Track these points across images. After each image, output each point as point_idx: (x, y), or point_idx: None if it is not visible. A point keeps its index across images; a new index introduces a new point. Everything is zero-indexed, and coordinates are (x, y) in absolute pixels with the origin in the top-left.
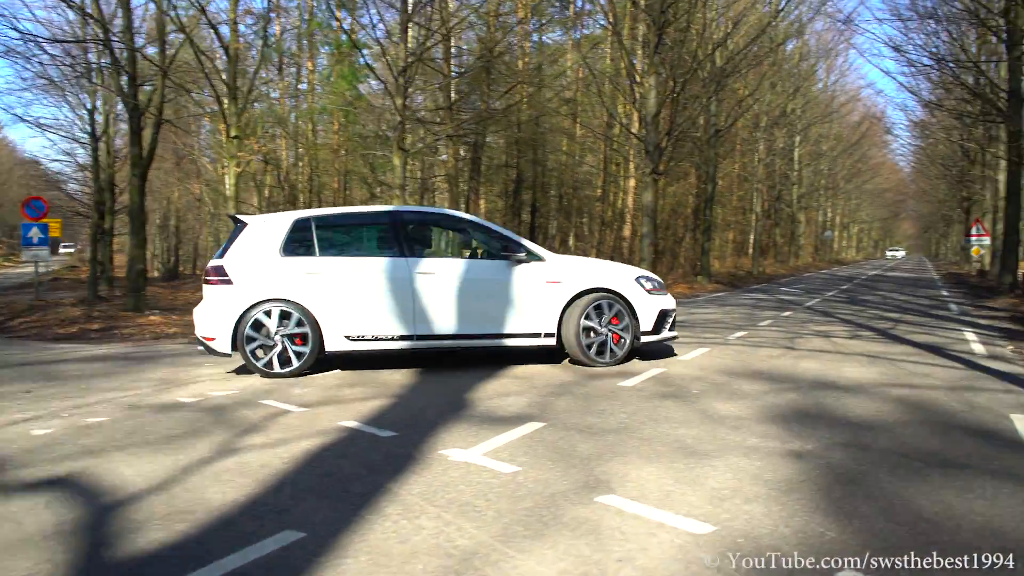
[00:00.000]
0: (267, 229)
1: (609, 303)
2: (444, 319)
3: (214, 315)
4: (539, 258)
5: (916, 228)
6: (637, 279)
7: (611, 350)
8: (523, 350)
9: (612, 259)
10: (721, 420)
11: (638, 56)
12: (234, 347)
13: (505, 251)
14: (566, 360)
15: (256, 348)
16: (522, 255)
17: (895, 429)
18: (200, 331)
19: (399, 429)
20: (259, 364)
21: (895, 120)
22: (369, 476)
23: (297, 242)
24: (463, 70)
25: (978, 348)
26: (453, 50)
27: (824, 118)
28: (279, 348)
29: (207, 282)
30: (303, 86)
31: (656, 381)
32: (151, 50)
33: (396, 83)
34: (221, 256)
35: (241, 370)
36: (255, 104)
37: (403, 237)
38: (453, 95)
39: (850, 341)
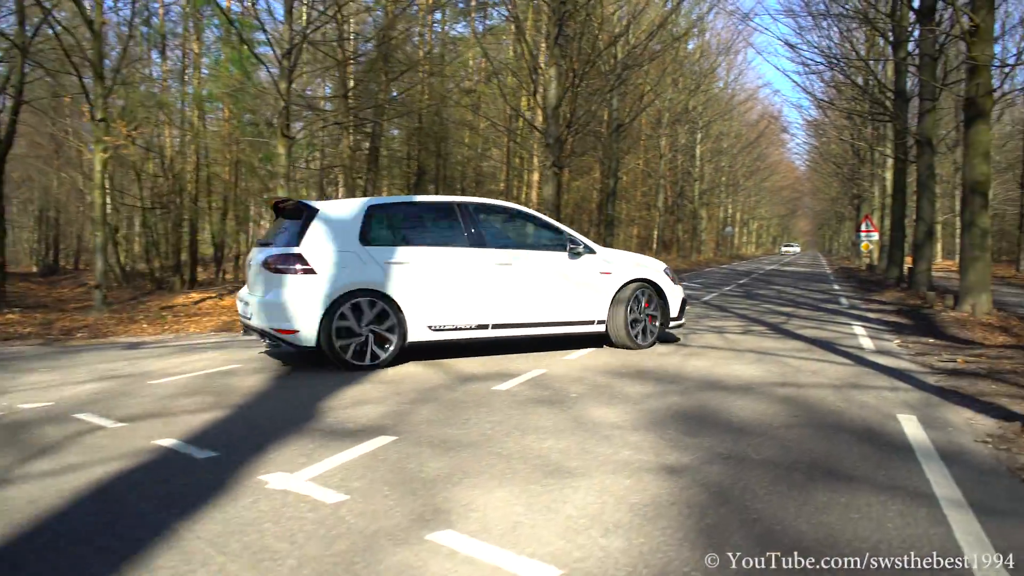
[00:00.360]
0: (340, 216)
1: (647, 292)
2: (517, 308)
3: (296, 307)
4: (592, 251)
5: (811, 224)
6: (664, 270)
7: (650, 332)
8: (574, 337)
9: None
10: (595, 429)
11: (541, 48)
12: (317, 341)
13: (563, 244)
14: (432, 360)
15: (344, 341)
16: (580, 248)
17: (780, 434)
18: (272, 324)
19: (222, 448)
20: (347, 357)
21: (791, 120)
22: (156, 513)
23: (373, 231)
24: (356, 54)
25: (866, 343)
26: (350, 36)
27: (724, 115)
28: (364, 340)
29: (279, 271)
30: (192, 70)
31: (534, 384)
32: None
33: (281, 65)
34: (293, 243)
35: (66, 381)
36: (139, 87)
37: (473, 228)
38: (351, 83)
39: (743, 337)
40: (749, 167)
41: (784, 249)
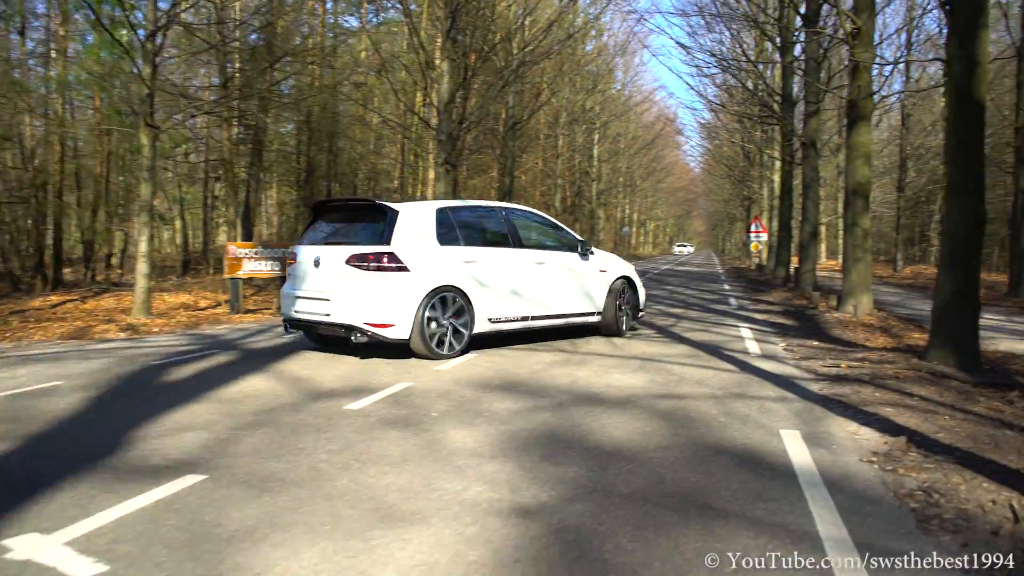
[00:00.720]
0: (418, 218)
1: (626, 287)
2: (547, 302)
3: (394, 301)
4: (592, 252)
5: (706, 225)
6: (634, 269)
7: (628, 321)
8: (577, 326)
9: None
10: (449, 457)
11: (436, 43)
12: (410, 333)
13: (574, 246)
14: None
15: (431, 332)
16: (587, 249)
17: (655, 459)
18: (367, 318)
19: None
20: (433, 347)
21: (686, 122)
22: None
23: (444, 232)
24: (234, 39)
25: (752, 347)
26: (229, 20)
27: (620, 116)
28: (446, 332)
29: (376, 268)
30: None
31: (393, 401)
32: None
33: (144, 49)
34: (380, 242)
35: None
36: None
37: (513, 231)
38: (233, 72)
39: (630, 342)
40: (646, 168)
41: (677, 249)
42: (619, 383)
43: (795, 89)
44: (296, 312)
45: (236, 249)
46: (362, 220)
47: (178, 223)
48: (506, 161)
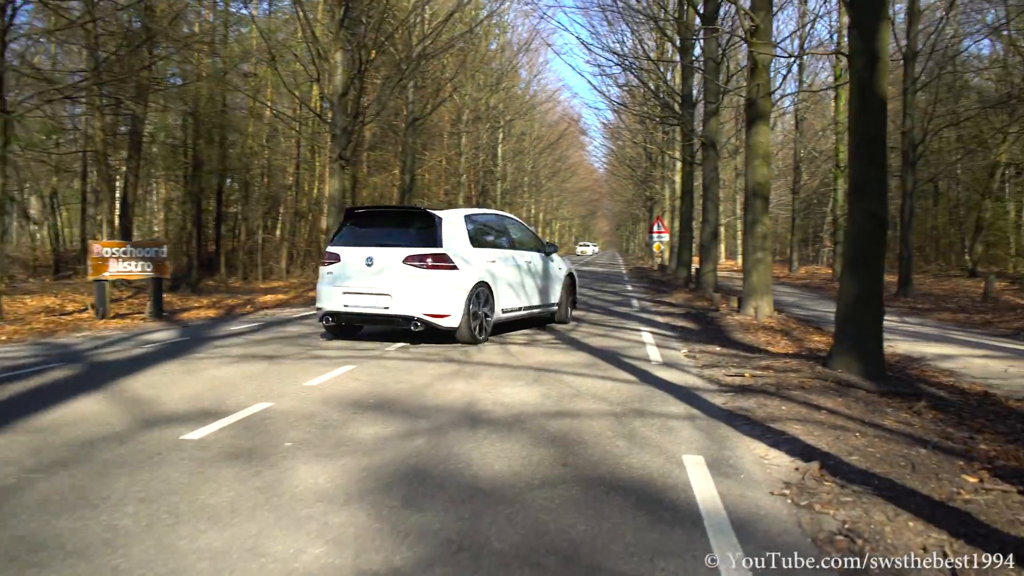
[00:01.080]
0: (454, 223)
1: (570, 282)
2: (531, 295)
3: (447, 295)
4: (554, 250)
5: (610, 225)
6: (572, 265)
7: (571, 312)
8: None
9: (308, 253)
10: (291, 504)
11: (331, 33)
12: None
13: (542, 247)
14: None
15: (472, 322)
16: (551, 250)
17: (538, 500)
18: (426, 310)
19: None
20: (475, 334)
21: (590, 122)
22: None
23: (473, 235)
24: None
25: (654, 353)
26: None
27: (524, 114)
28: (480, 321)
29: (432, 267)
30: None
31: (244, 427)
32: None
33: None
34: (432, 245)
35: None
36: None
37: (511, 235)
38: (109, 57)
39: (527, 349)
40: (551, 168)
41: (581, 249)
42: (509, 399)
43: (695, 91)
44: (346, 306)
45: (101, 249)
46: (408, 225)
47: (59, 219)
48: (406, 158)
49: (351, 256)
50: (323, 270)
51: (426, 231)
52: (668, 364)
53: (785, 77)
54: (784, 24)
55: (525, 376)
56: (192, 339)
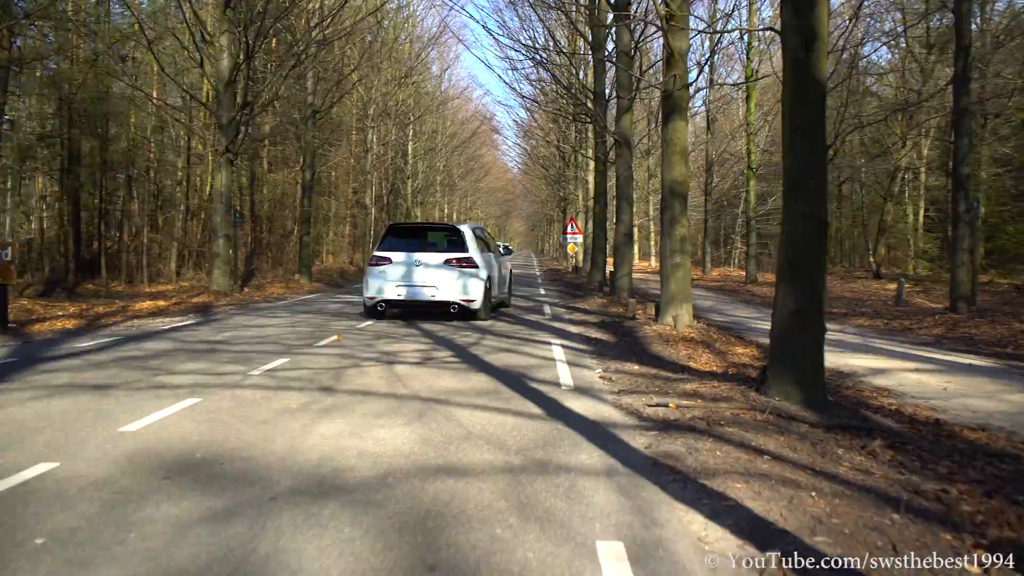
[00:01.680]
0: (469, 233)
1: (510, 276)
2: (500, 287)
3: (474, 287)
4: (508, 252)
5: (525, 226)
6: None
7: (510, 299)
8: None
9: (201, 254)
10: None
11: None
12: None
13: (499, 249)
14: None
15: (487, 304)
16: (503, 250)
17: None
18: (461, 296)
19: None
20: (488, 314)
21: (503, 121)
22: None
23: (478, 242)
24: None
25: (565, 374)
26: None
27: (433, 110)
28: (489, 305)
29: (465, 266)
30: None
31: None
32: None
33: None
34: (462, 251)
35: None
36: None
37: (489, 240)
38: None
39: (417, 370)
40: (464, 167)
41: None
42: (381, 446)
43: (608, 88)
44: (399, 295)
45: None
46: (441, 236)
47: None
48: (306, 154)
49: (401, 259)
50: (373, 269)
51: (456, 240)
52: (581, 390)
53: (700, 72)
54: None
55: (408, 409)
56: (21, 359)
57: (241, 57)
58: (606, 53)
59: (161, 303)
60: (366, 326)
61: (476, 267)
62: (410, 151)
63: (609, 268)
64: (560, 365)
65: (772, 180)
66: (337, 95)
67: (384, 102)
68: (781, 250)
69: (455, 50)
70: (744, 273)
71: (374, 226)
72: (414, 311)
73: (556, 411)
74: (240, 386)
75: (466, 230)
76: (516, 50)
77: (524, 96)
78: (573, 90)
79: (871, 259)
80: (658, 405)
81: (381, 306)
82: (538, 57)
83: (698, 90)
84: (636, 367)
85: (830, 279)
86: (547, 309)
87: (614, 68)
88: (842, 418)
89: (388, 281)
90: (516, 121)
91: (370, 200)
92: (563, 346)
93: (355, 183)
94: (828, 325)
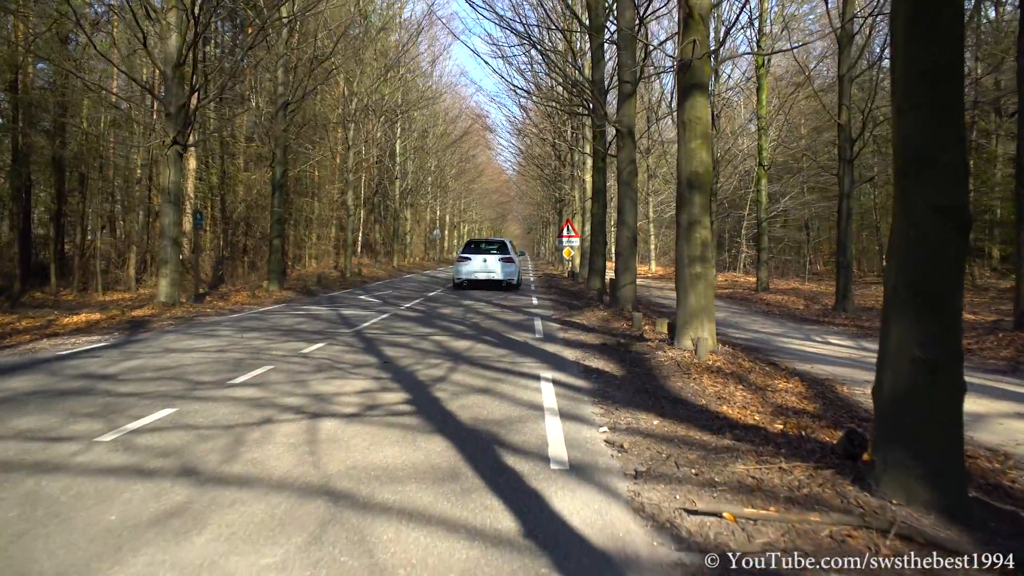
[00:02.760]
0: (508, 244)
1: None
2: (522, 274)
3: (513, 272)
4: (522, 254)
5: (522, 229)
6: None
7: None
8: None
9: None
10: None
11: None
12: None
13: (516, 254)
14: None
15: (519, 282)
16: (519, 253)
17: None
18: (507, 278)
19: None
20: (518, 287)
21: (497, 121)
22: None
23: (512, 247)
24: None
25: (556, 438)
26: None
27: (420, 106)
28: (519, 283)
29: (510, 262)
30: None
31: None
32: None
33: None
34: (507, 254)
35: None
36: None
37: (513, 245)
38: None
39: (350, 427)
40: (457, 168)
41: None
42: None
43: (607, 78)
44: (475, 276)
45: None
46: (494, 245)
47: None
48: (276, 149)
49: (475, 257)
50: (460, 263)
51: (502, 247)
52: (579, 470)
53: (725, 36)
54: None
55: (304, 520)
56: None
57: (190, 36)
58: (606, 36)
59: (96, 316)
60: (313, 350)
61: (513, 262)
62: (398, 149)
63: (609, 274)
64: (550, 419)
65: (780, 179)
66: (310, 85)
67: (368, 96)
68: (890, 265)
69: (444, 40)
70: (754, 279)
71: (362, 228)
72: (480, 287)
73: (540, 526)
74: (62, 469)
75: (507, 242)
76: (511, 29)
77: (517, 87)
78: (569, 76)
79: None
80: (704, 513)
81: (464, 284)
82: (533, 37)
83: (722, 60)
84: (655, 421)
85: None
86: (538, 324)
87: (613, 59)
88: (998, 538)
89: (468, 269)
90: (509, 119)
91: (352, 200)
92: (555, 381)
93: (340, 183)
94: (865, 343)
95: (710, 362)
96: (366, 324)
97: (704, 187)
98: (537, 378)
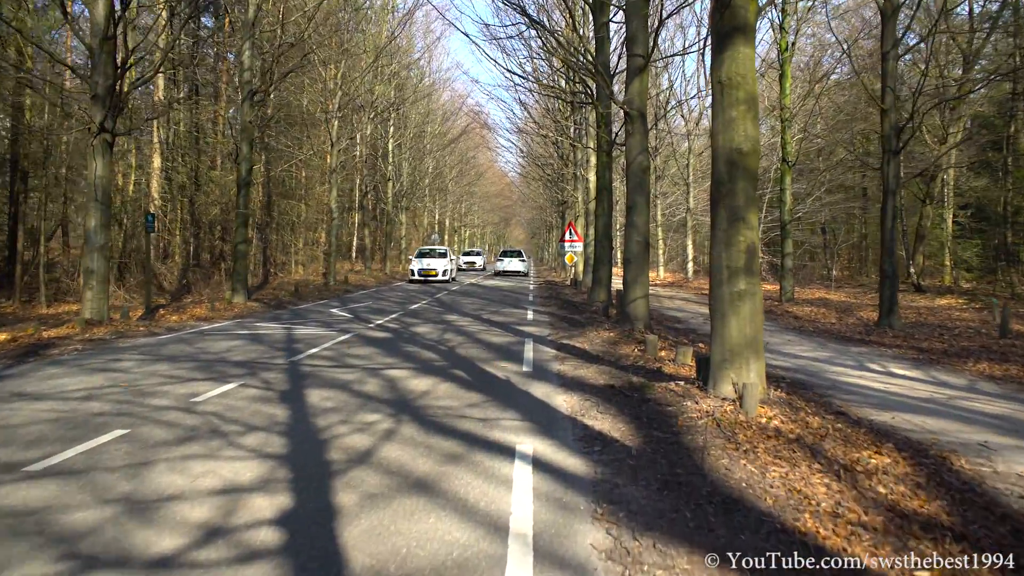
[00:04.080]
0: (523, 250)
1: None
2: (528, 269)
3: (525, 266)
4: (528, 257)
5: (525, 233)
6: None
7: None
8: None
9: (123, 266)
10: None
11: None
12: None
13: (524, 255)
14: None
15: (529, 271)
16: (525, 254)
17: None
18: (523, 270)
19: None
20: (528, 275)
21: (497, 120)
22: None
23: (524, 252)
24: None
25: None
26: None
27: (413, 103)
28: (529, 273)
29: (523, 261)
30: None
31: None
32: None
33: None
34: (521, 257)
35: None
36: None
37: (523, 249)
38: None
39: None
40: (456, 169)
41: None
42: None
43: (613, 59)
44: (505, 270)
45: None
46: (515, 251)
47: None
48: (240, 143)
49: (505, 258)
50: (497, 262)
51: (520, 254)
52: None
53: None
54: None
55: None
56: None
57: (119, 3)
58: (611, 15)
59: (2, 337)
60: (213, 396)
61: (525, 261)
62: (390, 149)
63: (616, 284)
64: (515, 567)
65: (802, 177)
66: (281, 70)
67: (353, 89)
68: None
69: (439, 30)
70: (778, 287)
71: (356, 232)
72: (506, 276)
73: None
74: None
75: (522, 250)
76: (508, 3)
77: (514, 73)
78: (571, 52)
79: (911, 270)
80: None
81: (496, 275)
82: (531, 15)
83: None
84: (707, 563)
85: (863, 293)
86: (528, 351)
87: (620, 35)
88: None
89: (503, 265)
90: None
91: (335, 202)
92: (538, 463)
93: (328, 184)
94: (939, 374)
95: (763, 419)
96: (314, 350)
97: (750, 172)
98: (512, 454)
